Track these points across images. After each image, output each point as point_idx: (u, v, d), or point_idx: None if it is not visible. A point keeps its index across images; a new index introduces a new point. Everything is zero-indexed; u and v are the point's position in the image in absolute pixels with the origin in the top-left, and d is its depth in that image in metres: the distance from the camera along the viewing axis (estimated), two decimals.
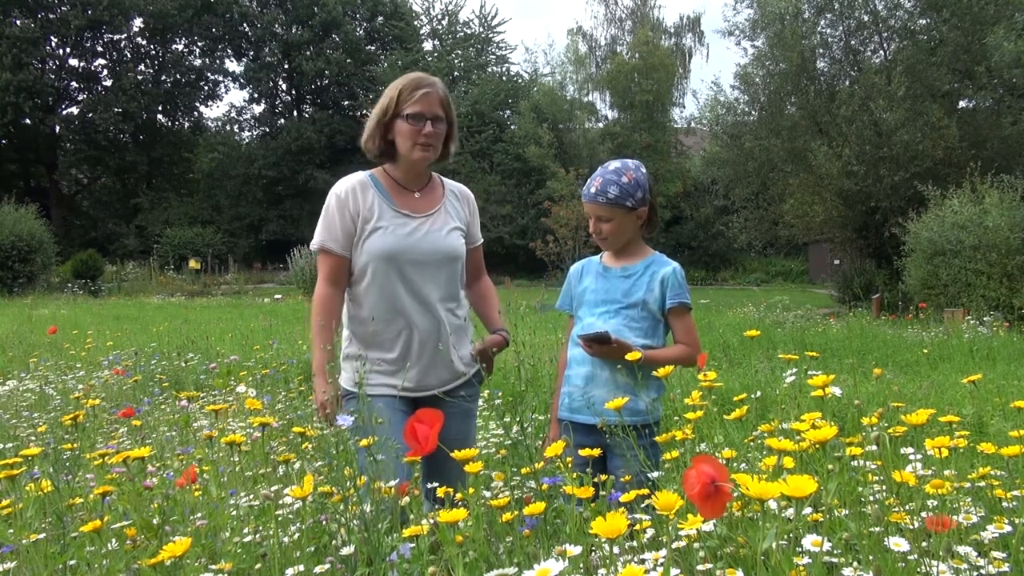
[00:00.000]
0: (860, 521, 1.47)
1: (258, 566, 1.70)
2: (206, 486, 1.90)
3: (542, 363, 5.36)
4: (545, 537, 1.65)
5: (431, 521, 1.61)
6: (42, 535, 1.76)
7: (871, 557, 1.34)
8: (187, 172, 41.36)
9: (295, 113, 43.04)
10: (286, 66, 41.76)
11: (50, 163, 36.53)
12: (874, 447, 1.81)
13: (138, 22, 38.31)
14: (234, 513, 1.92)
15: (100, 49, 38.86)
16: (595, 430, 2.18)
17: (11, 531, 1.76)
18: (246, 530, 1.83)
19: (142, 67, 39.83)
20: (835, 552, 1.46)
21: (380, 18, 42.95)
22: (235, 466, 2.27)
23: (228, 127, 44.13)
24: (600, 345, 2.28)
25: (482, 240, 2.65)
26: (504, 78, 40.02)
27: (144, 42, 39.95)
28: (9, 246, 21.71)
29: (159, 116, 40.54)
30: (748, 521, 1.43)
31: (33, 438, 3.54)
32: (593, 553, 1.47)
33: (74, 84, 38.71)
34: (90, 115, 36.20)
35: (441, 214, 2.44)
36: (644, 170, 2.43)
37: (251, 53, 42.06)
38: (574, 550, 1.29)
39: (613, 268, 2.46)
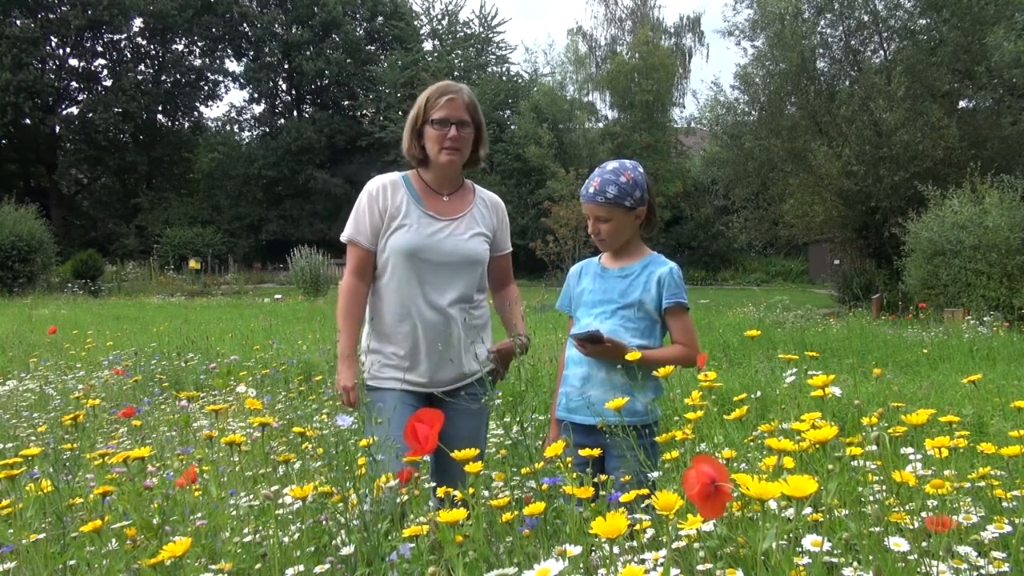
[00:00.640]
0: (860, 521, 1.47)
1: (258, 566, 1.70)
2: (206, 486, 1.90)
3: (542, 363, 5.36)
4: (545, 537, 1.65)
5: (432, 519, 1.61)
6: (42, 535, 1.76)
7: (871, 557, 1.34)
8: (187, 172, 41.37)
9: (295, 113, 43.06)
10: (286, 66, 41.78)
11: (50, 163, 36.54)
12: (874, 447, 1.81)
13: (138, 22, 38.35)
14: (234, 513, 1.92)
15: (100, 49, 38.90)
16: (593, 430, 2.18)
17: (11, 531, 1.76)
18: (246, 530, 1.83)
19: (142, 67, 39.86)
20: (835, 552, 1.46)
21: (380, 18, 42.97)
22: (235, 466, 2.27)
23: (228, 127, 44.18)
24: (593, 345, 2.27)
25: (510, 249, 2.72)
26: (504, 78, 40.05)
27: (144, 42, 39.97)
28: (9, 246, 21.72)
29: (159, 116, 40.56)
30: (748, 521, 1.43)
31: (33, 438, 3.54)
32: (593, 553, 1.47)
33: (74, 84, 38.73)
34: (90, 115, 36.20)
35: (467, 219, 2.53)
36: (641, 170, 2.43)
37: (251, 53, 42.08)
38: (574, 550, 1.29)
39: (611, 268, 2.46)
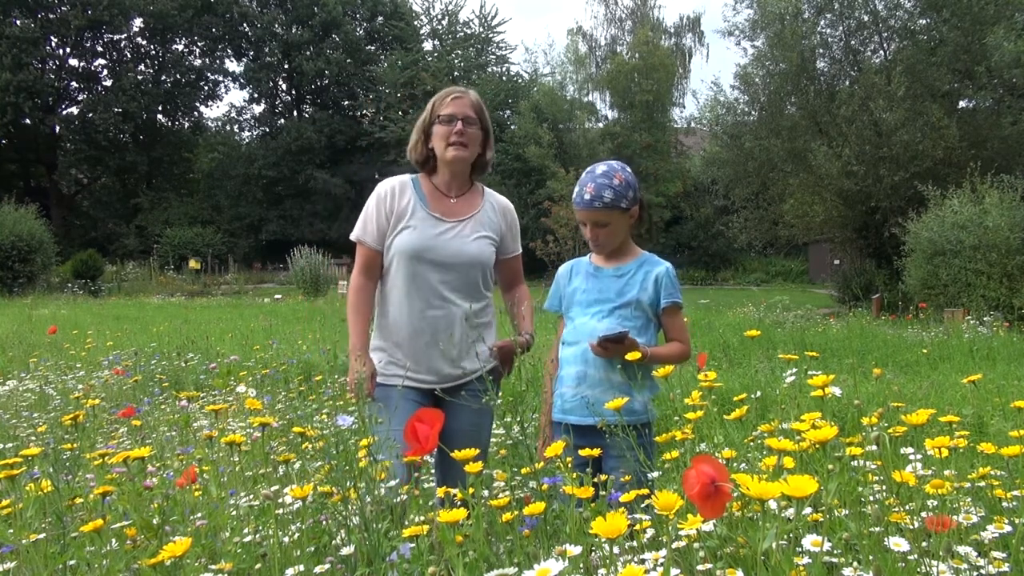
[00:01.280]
0: (860, 521, 1.47)
1: (258, 566, 1.70)
2: (206, 486, 1.90)
3: (542, 363, 5.35)
4: (545, 537, 1.65)
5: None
6: (42, 535, 1.76)
7: (871, 557, 1.34)
8: (187, 172, 41.37)
9: (295, 113, 43.05)
10: (286, 66, 41.77)
11: (50, 163, 36.53)
12: (874, 447, 1.81)
13: (138, 22, 38.35)
14: (234, 513, 1.92)
15: (100, 49, 38.91)
16: (589, 431, 2.18)
17: (11, 531, 1.75)
18: (246, 530, 1.83)
19: (142, 67, 39.85)
20: (835, 552, 1.46)
21: (380, 18, 42.96)
22: (235, 466, 2.27)
23: (228, 127, 44.16)
24: (616, 344, 2.26)
25: (520, 251, 2.77)
26: (504, 78, 40.04)
27: (144, 42, 39.97)
28: (9, 246, 21.72)
29: (159, 116, 40.57)
30: (748, 521, 1.43)
31: (33, 438, 3.54)
32: (593, 553, 1.47)
33: (74, 84, 38.73)
34: (90, 115, 36.20)
35: (473, 221, 2.58)
36: (629, 169, 2.45)
37: (251, 53, 42.07)
38: (574, 550, 1.29)
39: (605, 268, 2.46)
